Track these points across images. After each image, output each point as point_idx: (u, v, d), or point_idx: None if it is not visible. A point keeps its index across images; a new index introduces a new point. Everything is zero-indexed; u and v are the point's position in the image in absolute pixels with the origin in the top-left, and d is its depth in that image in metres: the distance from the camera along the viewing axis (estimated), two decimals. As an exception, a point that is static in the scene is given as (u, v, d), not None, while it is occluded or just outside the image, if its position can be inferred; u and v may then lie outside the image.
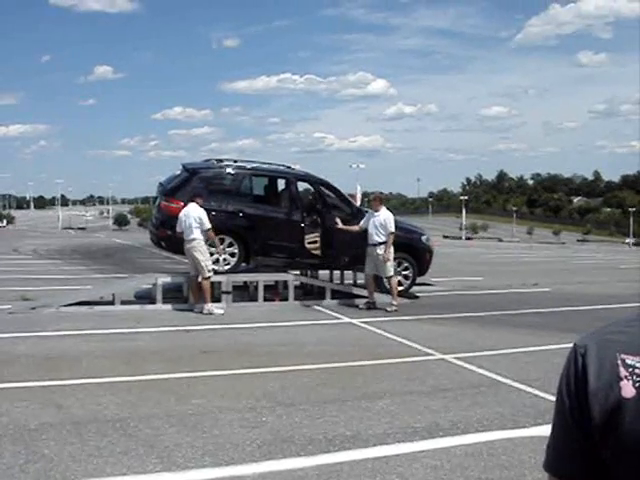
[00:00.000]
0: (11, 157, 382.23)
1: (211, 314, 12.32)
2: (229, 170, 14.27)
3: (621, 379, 1.14)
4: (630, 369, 1.14)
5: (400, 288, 14.38)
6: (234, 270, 13.80)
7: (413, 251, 15.17)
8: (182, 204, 13.29)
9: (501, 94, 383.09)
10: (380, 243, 13.36)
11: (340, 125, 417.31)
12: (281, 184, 15.07)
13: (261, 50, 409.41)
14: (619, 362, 1.15)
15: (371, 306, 13.53)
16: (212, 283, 13.69)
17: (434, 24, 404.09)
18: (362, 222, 13.72)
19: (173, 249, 14.79)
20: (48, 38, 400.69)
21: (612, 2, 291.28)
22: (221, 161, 14.63)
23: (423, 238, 15.78)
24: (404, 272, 14.89)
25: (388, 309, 13.09)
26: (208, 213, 13.09)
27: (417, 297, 15.27)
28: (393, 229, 13.45)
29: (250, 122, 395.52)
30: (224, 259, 13.65)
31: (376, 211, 13.67)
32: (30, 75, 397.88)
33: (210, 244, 12.94)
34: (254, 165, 14.98)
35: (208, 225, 12.57)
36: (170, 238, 13.57)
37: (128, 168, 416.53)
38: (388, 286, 13.78)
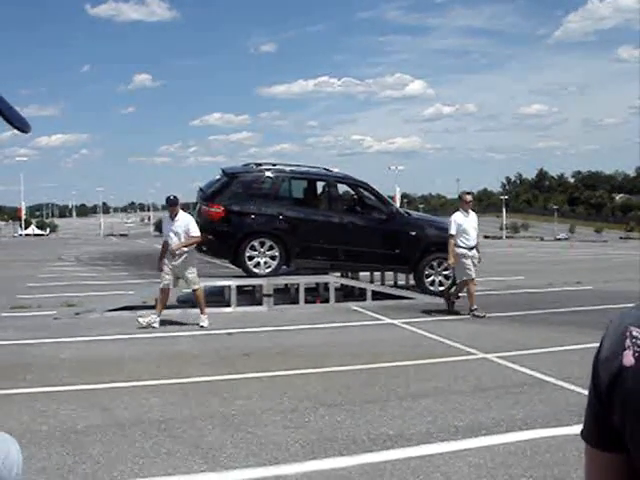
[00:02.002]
0: (54, 167, 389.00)
1: (202, 326, 11.68)
2: (268, 173, 14.39)
3: (625, 349, 1.21)
4: (633, 340, 1.21)
5: (441, 288, 14.52)
6: (275, 273, 13.87)
7: None
8: (222, 208, 13.43)
9: (540, 92, 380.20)
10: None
11: (378, 127, 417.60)
12: (320, 186, 15.13)
13: (298, 54, 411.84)
14: (628, 333, 1.22)
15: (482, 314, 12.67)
16: (254, 287, 13.82)
17: (471, 23, 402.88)
18: (451, 228, 12.74)
19: (214, 253, 14.95)
20: (88, 48, 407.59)
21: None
22: (260, 165, 14.75)
23: None
24: (444, 272, 14.83)
25: (478, 313, 12.58)
26: (248, 216, 13.21)
27: (459, 297, 15.21)
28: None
29: (288, 126, 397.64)
30: (265, 262, 13.75)
31: (467, 211, 13.03)
32: (71, 85, 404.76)
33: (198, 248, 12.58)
34: (293, 168, 15.05)
35: (197, 233, 11.80)
36: (211, 243, 13.70)
37: (168, 174, 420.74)
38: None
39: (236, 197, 13.90)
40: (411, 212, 16.98)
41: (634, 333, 1.21)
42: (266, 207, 13.88)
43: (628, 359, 1.20)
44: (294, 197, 14.78)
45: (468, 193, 13.19)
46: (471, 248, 12.68)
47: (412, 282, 16.55)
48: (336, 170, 16.27)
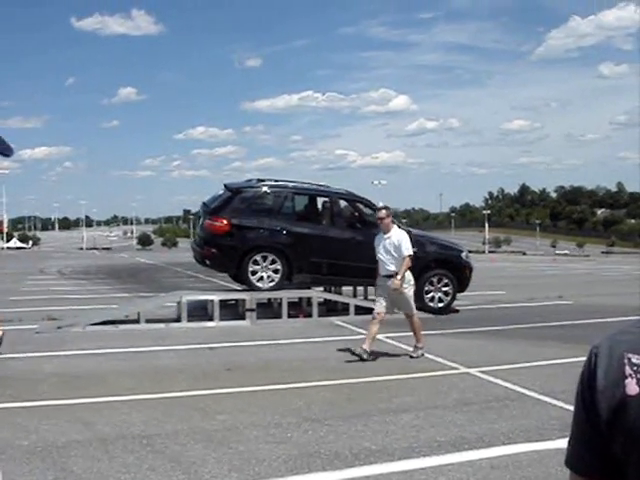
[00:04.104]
0: (37, 179, 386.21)
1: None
2: (271, 189, 14.58)
3: (626, 377, 1.18)
4: (635, 367, 1.18)
5: (440, 305, 14.88)
6: (277, 287, 13.93)
7: (453, 267, 15.38)
8: (226, 222, 13.54)
9: (523, 107, 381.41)
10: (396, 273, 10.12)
11: (362, 142, 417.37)
12: (322, 203, 15.25)
13: (282, 69, 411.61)
14: (625, 361, 1.19)
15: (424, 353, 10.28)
16: (236, 301, 13.81)
17: (454, 39, 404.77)
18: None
19: (217, 267, 15.08)
20: (72, 61, 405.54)
21: (633, 13, 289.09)
22: (262, 181, 14.87)
23: (463, 255, 16.04)
24: (444, 288, 15.08)
25: (413, 354, 10.17)
26: (252, 230, 13.41)
27: (457, 311, 15.38)
28: (410, 251, 10.27)
29: (272, 140, 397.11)
30: (268, 276, 13.82)
31: (386, 231, 10.43)
32: (55, 98, 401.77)
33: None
34: (296, 184, 15.21)
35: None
36: (215, 256, 13.82)
37: (151, 188, 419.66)
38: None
39: (240, 212, 14.04)
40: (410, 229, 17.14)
41: (634, 360, 1.18)
42: (269, 222, 14.03)
43: (632, 388, 1.17)
44: (297, 213, 14.89)
45: (382, 208, 10.93)
46: (386, 276, 10.20)
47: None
48: (328, 185, 16.47)
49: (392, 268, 10.09)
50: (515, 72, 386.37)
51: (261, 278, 13.75)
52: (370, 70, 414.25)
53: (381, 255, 10.27)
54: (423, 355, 10.11)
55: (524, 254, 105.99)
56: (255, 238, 13.78)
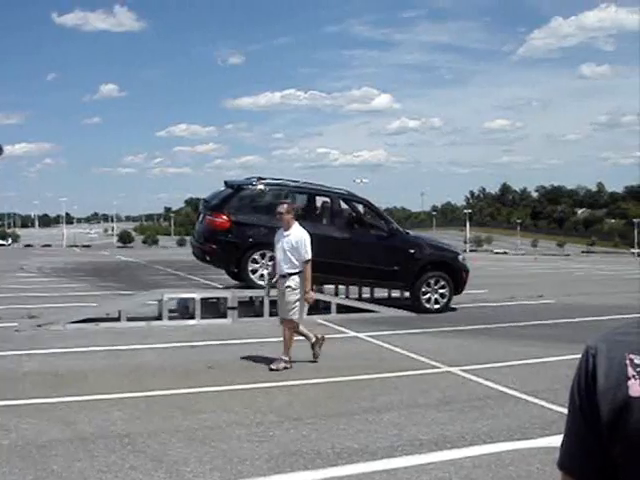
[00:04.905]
0: (16, 176, 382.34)
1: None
2: (271, 187, 14.70)
3: (629, 378, 1.17)
4: (638, 368, 1.17)
5: (436, 306, 15.07)
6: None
7: (450, 269, 15.51)
8: (226, 219, 13.56)
9: (504, 107, 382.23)
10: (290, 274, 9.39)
11: (344, 140, 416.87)
12: (322, 202, 15.29)
13: (265, 67, 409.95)
14: (627, 362, 1.18)
15: (287, 366, 9.21)
16: (218, 299, 13.77)
17: (436, 39, 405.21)
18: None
19: (218, 263, 15.11)
20: (54, 57, 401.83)
21: (614, 14, 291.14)
22: (263, 179, 14.84)
23: (459, 257, 16.30)
24: (441, 290, 15.25)
25: (273, 366, 9.09)
26: (253, 227, 13.44)
27: (454, 309, 15.46)
28: (309, 254, 9.44)
29: (254, 138, 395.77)
30: (269, 274, 13.79)
31: (287, 228, 9.58)
32: (36, 94, 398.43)
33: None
34: (296, 183, 15.27)
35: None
36: (215, 252, 13.90)
37: (132, 186, 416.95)
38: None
39: (240, 209, 14.12)
40: (408, 231, 17.24)
41: (637, 361, 1.17)
42: (270, 220, 13.98)
43: (635, 389, 1.15)
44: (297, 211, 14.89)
45: (283, 203, 10.19)
46: (281, 277, 9.51)
47: (378, 295, 16.68)
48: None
49: (286, 269, 9.35)
50: (497, 72, 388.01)
51: (261, 276, 13.74)
52: (353, 69, 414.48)
53: (277, 253, 9.57)
54: (285, 369, 9.05)
55: (505, 253, 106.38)
56: (256, 235, 13.75)
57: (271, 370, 8.99)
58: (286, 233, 9.49)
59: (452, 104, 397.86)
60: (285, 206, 9.65)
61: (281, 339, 9.43)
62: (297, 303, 9.35)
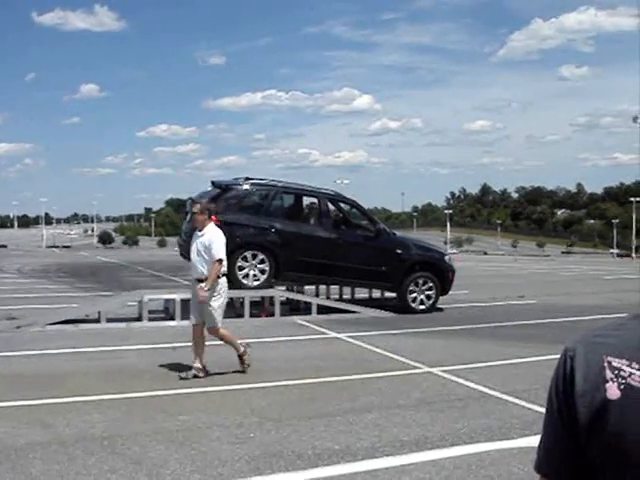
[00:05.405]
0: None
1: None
2: (259, 187, 14.69)
3: (607, 381, 1.16)
4: (616, 371, 1.16)
5: (422, 307, 15.14)
6: (264, 286, 13.98)
7: (437, 270, 15.57)
8: (216, 218, 13.55)
9: (485, 108, 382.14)
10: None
11: (324, 141, 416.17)
12: (309, 202, 15.40)
13: (245, 67, 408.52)
14: (605, 364, 1.17)
15: (200, 374, 8.80)
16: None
17: (417, 40, 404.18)
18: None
19: None
20: (33, 57, 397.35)
21: (593, 17, 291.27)
22: (250, 179, 14.80)
23: (446, 258, 16.40)
24: (427, 292, 15.31)
25: (182, 375, 8.71)
26: (242, 227, 13.60)
27: (441, 310, 15.50)
28: (222, 255, 8.94)
29: (235, 139, 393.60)
30: (254, 275, 13.80)
31: (201, 229, 9.10)
32: (15, 94, 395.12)
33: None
34: (284, 184, 15.27)
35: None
36: None
37: (112, 186, 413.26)
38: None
39: (228, 208, 13.97)
40: (395, 232, 17.29)
41: (614, 364, 1.16)
42: (257, 220, 14.07)
43: (613, 392, 1.15)
44: (285, 212, 15.02)
45: (197, 202, 9.78)
46: (196, 280, 9.03)
47: (358, 296, 16.69)
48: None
49: (201, 271, 8.90)
50: (477, 73, 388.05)
51: (247, 275, 13.72)
52: (334, 69, 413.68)
53: (192, 255, 9.08)
54: (197, 377, 8.66)
55: (485, 254, 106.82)
56: (245, 235, 13.77)
57: (181, 379, 8.53)
58: (200, 234, 9.01)
59: (433, 105, 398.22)
60: (198, 206, 9.18)
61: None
62: (219, 309, 9.06)
